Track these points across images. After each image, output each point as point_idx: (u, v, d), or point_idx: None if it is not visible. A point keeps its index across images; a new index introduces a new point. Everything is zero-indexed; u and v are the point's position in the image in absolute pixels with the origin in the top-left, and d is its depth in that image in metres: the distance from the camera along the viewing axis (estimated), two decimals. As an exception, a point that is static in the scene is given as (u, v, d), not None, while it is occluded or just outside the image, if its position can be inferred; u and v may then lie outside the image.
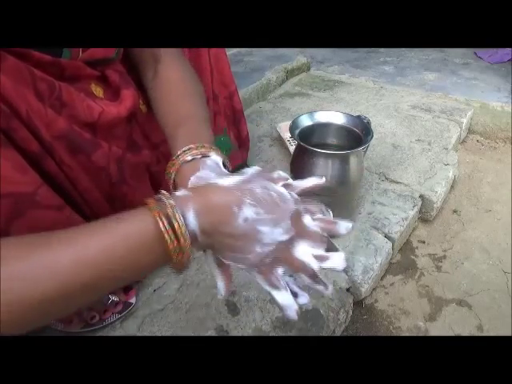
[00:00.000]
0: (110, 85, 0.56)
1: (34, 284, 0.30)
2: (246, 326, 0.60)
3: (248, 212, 0.35)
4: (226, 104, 0.81)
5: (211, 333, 0.59)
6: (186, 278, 0.67)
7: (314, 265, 0.38)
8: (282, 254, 0.37)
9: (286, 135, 1.00)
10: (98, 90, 0.54)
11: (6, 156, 0.40)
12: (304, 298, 0.40)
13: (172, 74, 0.57)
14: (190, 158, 0.45)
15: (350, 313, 0.69)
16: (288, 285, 0.39)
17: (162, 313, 0.62)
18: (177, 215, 0.33)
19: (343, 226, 0.39)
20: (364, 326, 0.70)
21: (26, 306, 0.30)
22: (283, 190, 0.38)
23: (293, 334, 0.59)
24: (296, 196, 0.40)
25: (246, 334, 0.59)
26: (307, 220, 0.39)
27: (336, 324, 0.63)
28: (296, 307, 0.38)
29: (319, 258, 0.38)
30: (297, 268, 0.38)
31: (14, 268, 0.29)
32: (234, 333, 0.59)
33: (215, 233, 0.36)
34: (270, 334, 0.59)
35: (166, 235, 0.33)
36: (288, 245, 0.37)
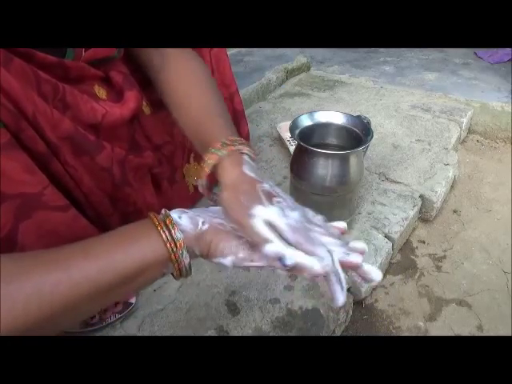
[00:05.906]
0: (114, 86, 0.56)
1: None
2: (246, 325, 0.60)
3: None
4: (227, 105, 0.81)
5: (211, 333, 0.59)
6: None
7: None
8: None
9: (286, 135, 1.00)
10: (101, 92, 0.54)
11: (16, 158, 0.40)
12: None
13: (182, 64, 0.56)
14: (233, 149, 0.47)
15: (350, 313, 0.69)
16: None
17: (162, 313, 0.62)
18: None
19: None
20: (364, 326, 0.70)
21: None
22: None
23: (293, 333, 0.59)
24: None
25: (245, 334, 0.59)
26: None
27: (336, 324, 0.63)
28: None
29: None
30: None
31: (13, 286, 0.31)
32: (234, 333, 0.59)
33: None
34: (270, 334, 0.59)
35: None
36: None
